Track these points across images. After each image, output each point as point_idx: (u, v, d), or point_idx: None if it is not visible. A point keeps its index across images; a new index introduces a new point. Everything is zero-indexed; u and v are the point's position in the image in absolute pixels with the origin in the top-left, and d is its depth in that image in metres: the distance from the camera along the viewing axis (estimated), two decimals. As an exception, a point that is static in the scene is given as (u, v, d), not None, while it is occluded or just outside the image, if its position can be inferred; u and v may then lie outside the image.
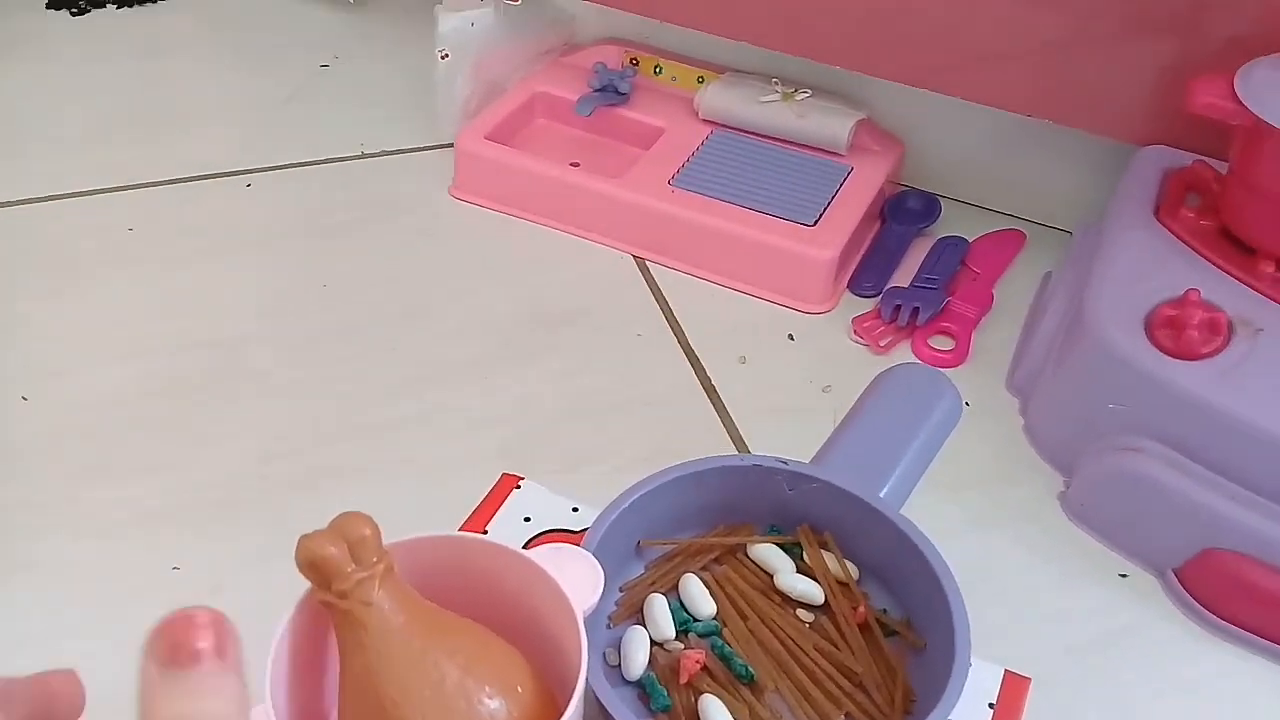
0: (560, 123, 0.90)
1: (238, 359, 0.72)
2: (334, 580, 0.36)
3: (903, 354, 0.75)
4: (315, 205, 0.86)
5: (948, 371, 0.73)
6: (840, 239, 0.77)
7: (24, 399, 0.68)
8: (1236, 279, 0.62)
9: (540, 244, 0.83)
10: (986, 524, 0.65)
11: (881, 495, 0.50)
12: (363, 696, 0.36)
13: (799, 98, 0.85)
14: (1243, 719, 0.56)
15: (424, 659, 0.36)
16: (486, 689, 0.37)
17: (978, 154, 0.85)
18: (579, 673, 0.38)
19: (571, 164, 0.86)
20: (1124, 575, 0.62)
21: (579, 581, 0.40)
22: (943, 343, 0.75)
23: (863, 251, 0.82)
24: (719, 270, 0.80)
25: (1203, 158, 0.69)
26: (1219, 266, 0.62)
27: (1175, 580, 0.61)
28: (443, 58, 0.87)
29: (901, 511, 0.50)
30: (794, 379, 0.73)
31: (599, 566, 0.42)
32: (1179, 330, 0.59)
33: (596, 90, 0.89)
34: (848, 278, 0.80)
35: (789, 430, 0.69)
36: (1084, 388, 0.64)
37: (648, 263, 0.82)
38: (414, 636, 0.37)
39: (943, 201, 0.86)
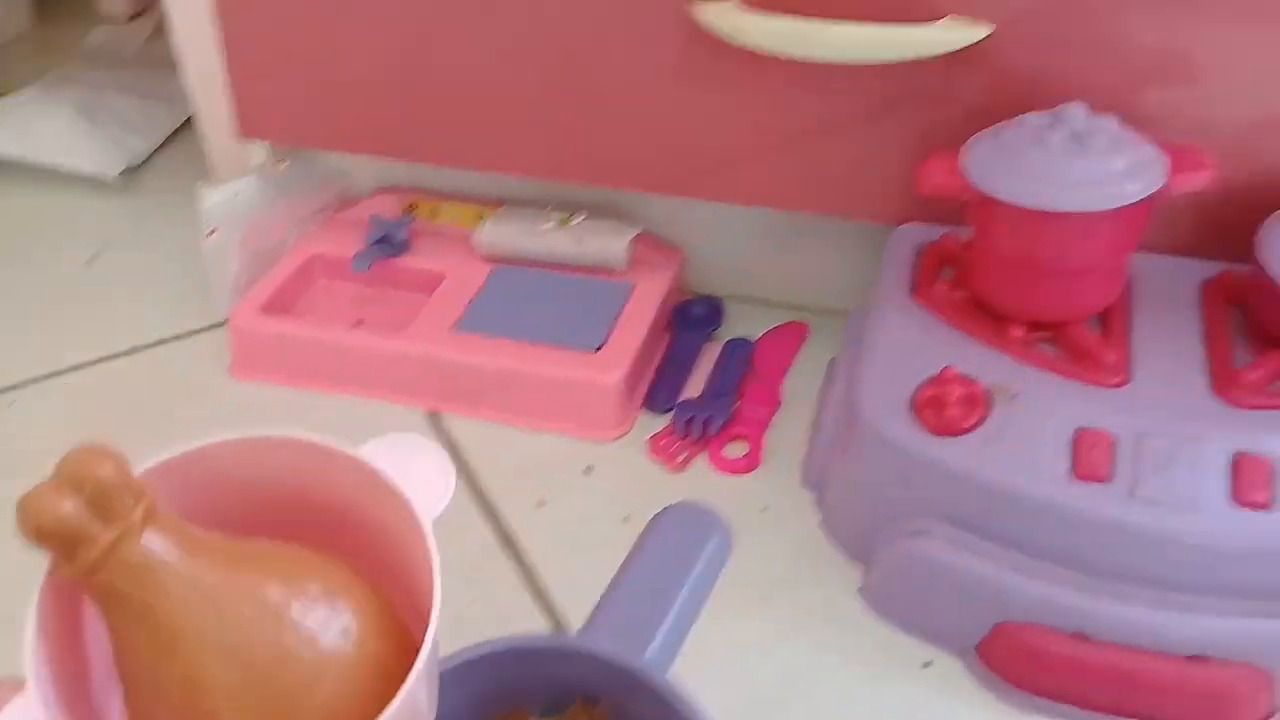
0: (341, 281, 0.88)
1: None
2: (79, 549, 0.27)
3: (700, 468, 0.73)
4: (89, 415, 0.81)
5: (743, 477, 0.72)
6: (625, 360, 0.76)
7: None
8: (991, 347, 0.61)
9: (329, 413, 0.79)
10: (793, 632, 0.63)
11: (648, 656, 0.47)
12: (158, 682, 0.27)
13: (574, 222, 0.84)
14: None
15: (230, 604, 0.27)
16: (323, 604, 0.28)
17: (754, 252, 0.85)
18: (432, 600, 0.28)
19: (356, 323, 0.84)
20: (928, 664, 0.61)
21: (425, 482, 0.31)
22: (737, 449, 0.74)
23: (656, 366, 0.81)
24: (511, 411, 0.77)
25: (953, 229, 0.70)
26: (974, 336, 0.62)
27: (976, 660, 0.59)
28: (210, 235, 0.85)
29: (678, 654, 0.47)
30: (594, 513, 0.71)
31: (449, 461, 0.32)
32: (940, 409, 0.58)
33: (374, 243, 0.87)
34: (642, 397, 0.78)
35: (590, 569, 0.65)
36: (866, 475, 0.63)
37: (440, 415, 0.79)
38: (209, 583, 0.27)
39: (728, 303, 0.85)
